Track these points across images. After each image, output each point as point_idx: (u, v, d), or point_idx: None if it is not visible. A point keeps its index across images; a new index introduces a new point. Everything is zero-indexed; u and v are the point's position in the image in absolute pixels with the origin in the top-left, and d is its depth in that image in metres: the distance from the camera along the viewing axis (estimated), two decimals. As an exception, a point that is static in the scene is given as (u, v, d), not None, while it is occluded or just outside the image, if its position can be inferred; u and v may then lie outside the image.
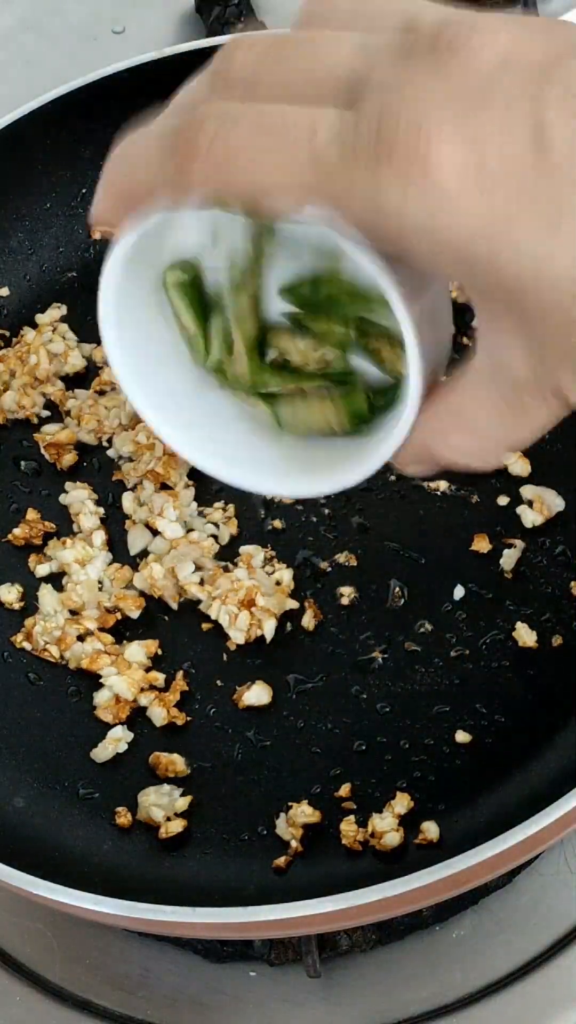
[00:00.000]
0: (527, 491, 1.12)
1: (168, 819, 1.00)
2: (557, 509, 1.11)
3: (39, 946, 1.07)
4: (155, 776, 1.03)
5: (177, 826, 1.00)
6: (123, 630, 1.09)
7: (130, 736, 1.05)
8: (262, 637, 1.07)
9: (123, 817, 1.01)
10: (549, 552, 1.10)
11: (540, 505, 1.11)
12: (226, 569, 1.10)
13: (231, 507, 1.14)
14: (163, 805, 1.01)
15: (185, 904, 0.89)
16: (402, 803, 0.99)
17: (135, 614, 1.10)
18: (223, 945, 1.05)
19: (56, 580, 1.13)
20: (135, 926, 0.95)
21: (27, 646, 1.10)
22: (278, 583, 1.09)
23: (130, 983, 1.06)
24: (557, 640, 1.06)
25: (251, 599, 1.07)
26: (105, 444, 1.18)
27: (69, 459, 1.18)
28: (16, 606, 1.12)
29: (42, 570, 1.13)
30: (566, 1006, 1.02)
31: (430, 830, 0.98)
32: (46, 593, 1.11)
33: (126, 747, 1.04)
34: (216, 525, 1.13)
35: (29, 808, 1.02)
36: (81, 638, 1.09)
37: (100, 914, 0.90)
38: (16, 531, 1.15)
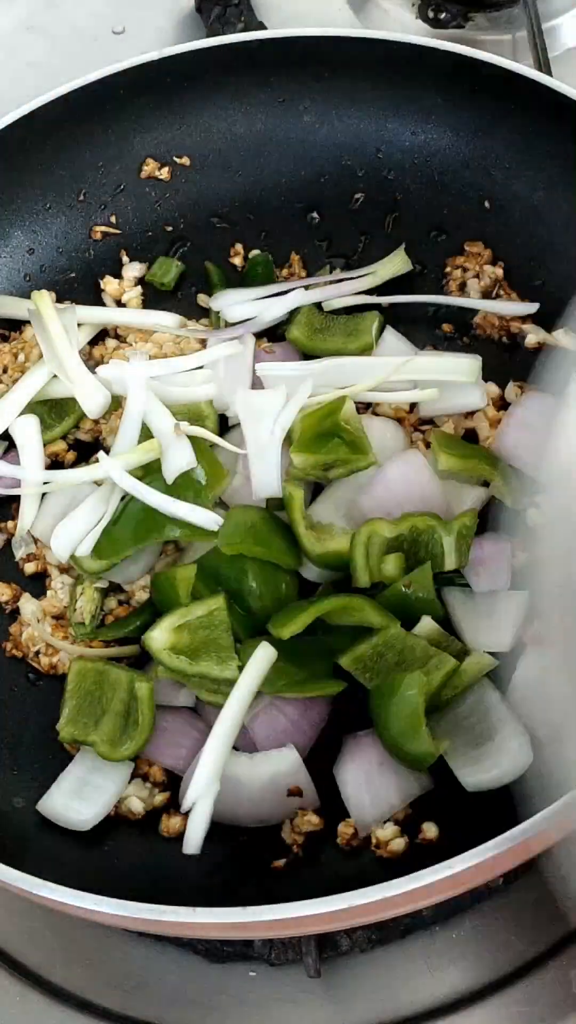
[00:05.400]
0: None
1: (168, 815, 1.01)
2: None
3: (39, 946, 1.07)
4: (147, 780, 1.04)
5: (178, 824, 1.00)
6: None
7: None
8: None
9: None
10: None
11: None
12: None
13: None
14: (143, 798, 1.02)
15: (185, 904, 0.89)
16: (402, 810, 1.00)
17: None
18: (223, 945, 1.05)
19: (40, 583, 1.13)
20: (135, 926, 0.95)
21: (17, 654, 1.10)
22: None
23: (130, 983, 1.06)
24: (557, 640, 1.06)
25: None
26: (103, 441, 1.18)
27: (69, 458, 1.18)
28: (10, 608, 1.13)
29: (29, 568, 1.14)
30: (566, 1006, 1.02)
31: (430, 830, 0.98)
32: (26, 601, 1.11)
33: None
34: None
35: (29, 808, 1.02)
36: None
37: (100, 914, 0.90)
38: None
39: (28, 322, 1.21)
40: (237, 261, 1.26)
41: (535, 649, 1.05)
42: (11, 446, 1.16)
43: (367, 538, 1.04)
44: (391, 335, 1.19)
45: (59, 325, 1.13)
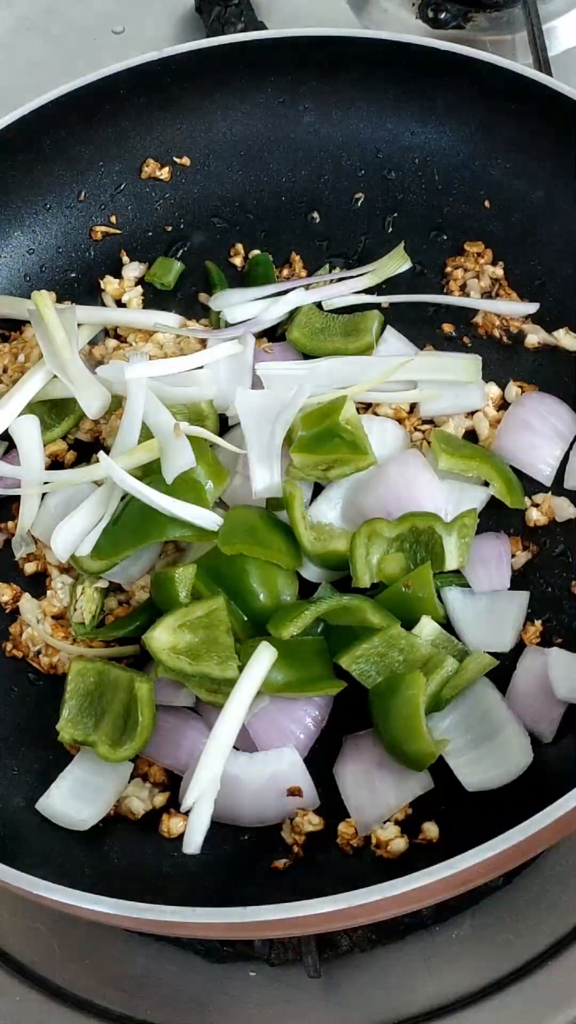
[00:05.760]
0: (539, 496, 1.12)
1: (169, 815, 1.01)
2: (567, 517, 1.11)
3: (39, 946, 1.08)
4: (147, 780, 1.04)
5: (178, 824, 1.00)
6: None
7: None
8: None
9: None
10: (549, 552, 1.10)
11: (547, 508, 1.11)
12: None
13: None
14: (143, 798, 1.02)
15: (185, 904, 0.89)
16: (401, 810, 0.99)
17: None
18: (223, 945, 1.05)
19: (40, 583, 1.13)
20: (135, 926, 0.95)
21: (17, 654, 1.10)
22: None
23: (130, 983, 1.06)
24: (557, 640, 1.06)
25: None
26: (103, 441, 1.18)
27: (69, 458, 1.18)
28: (10, 608, 1.13)
29: (29, 568, 1.14)
30: (566, 1006, 1.02)
31: (430, 830, 0.98)
32: (26, 601, 1.12)
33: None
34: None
35: (29, 808, 1.02)
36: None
37: (100, 914, 0.90)
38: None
39: (28, 322, 1.21)
40: (237, 261, 1.26)
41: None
42: (11, 446, 1.16)
43: (367, 538, 1.04)
44: (391, 335, 1.19)
45: (59, 325, 1.13)
